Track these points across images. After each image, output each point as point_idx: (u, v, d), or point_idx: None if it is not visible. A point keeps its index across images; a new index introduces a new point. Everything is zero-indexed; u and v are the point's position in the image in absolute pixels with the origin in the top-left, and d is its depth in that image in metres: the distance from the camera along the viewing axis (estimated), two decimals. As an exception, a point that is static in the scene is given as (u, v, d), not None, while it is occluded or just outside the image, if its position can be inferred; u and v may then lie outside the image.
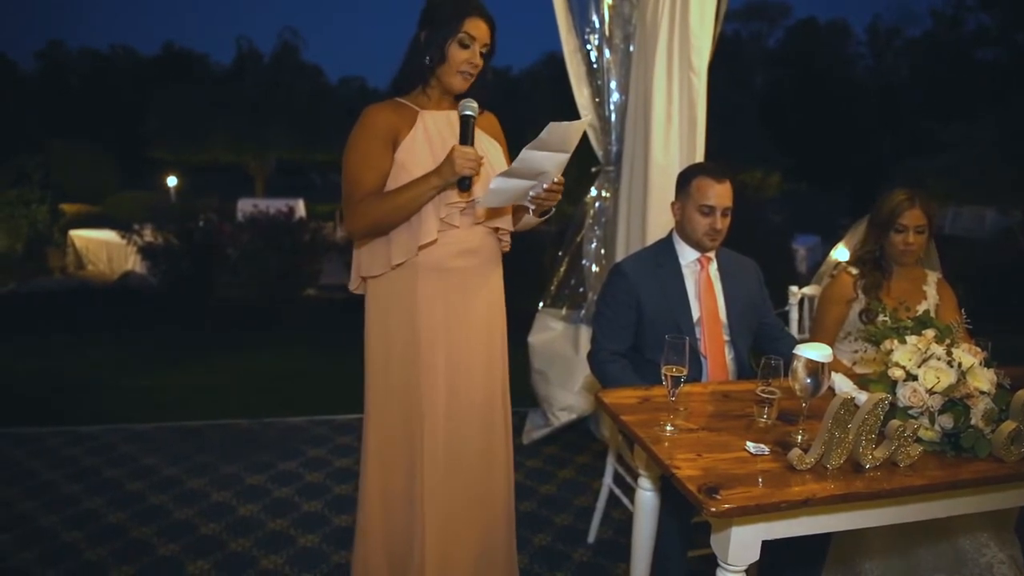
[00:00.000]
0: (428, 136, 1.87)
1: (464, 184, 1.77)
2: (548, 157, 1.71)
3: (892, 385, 1.61)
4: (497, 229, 1.98)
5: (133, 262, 9.32)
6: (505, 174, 1.71)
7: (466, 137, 1.78)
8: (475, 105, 1.81)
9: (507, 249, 2.05)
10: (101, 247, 10.89)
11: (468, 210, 1.89)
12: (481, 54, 1.88)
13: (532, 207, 1.88)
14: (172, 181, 17.13)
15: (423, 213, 1.83)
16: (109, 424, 3.81)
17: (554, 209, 1.94)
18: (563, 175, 1.84)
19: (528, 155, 1.68)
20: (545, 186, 1.81)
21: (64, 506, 2.92)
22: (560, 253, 3.85)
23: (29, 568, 2.49)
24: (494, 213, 1.94)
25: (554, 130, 1.63)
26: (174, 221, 7.40)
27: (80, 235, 11.43)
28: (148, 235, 7.40)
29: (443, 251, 1.90)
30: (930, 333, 1.64)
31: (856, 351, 2.28)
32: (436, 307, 1.92)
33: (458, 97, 1.88)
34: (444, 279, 1.91)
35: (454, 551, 1.99)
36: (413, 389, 1.93)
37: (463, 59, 1.84)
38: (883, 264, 2.45)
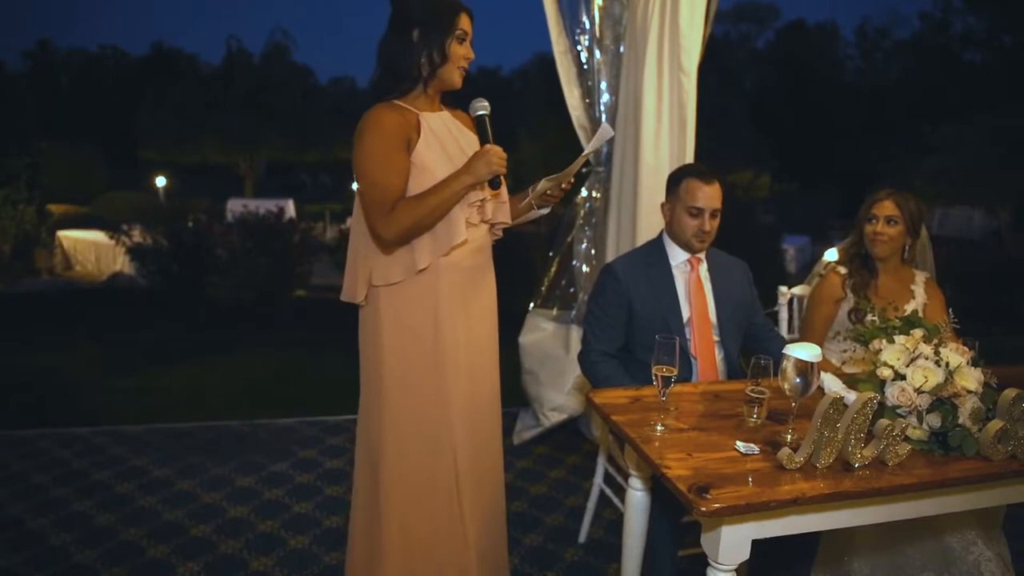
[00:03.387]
0: (438, 138, 1.87)
1: (496, 183, 1.80)
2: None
3: (880, 384, 1.63)
4: (492, 225, 1.99)
5: (121, 263, 9.29)
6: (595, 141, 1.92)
7: (487, 136, 1.82)
8: (487, 104, 1.84)
9: (498, 236, 2.06)
10: (89, 248, 10.83)
11: (480, 209, 1.92)
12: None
13: (539, 202, 1.98)
14: (161, 181, 17.07)
15: (452, 214, 1.82)
16: (98, 426, 3.79)
17: (546, 211, 2.00)
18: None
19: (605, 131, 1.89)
20: (564, 186, 1.92)
21: (54, 508, 2.90)
22: (551, 254, 3.86)
23: (18, 571, 2.47)
24: (499, 209, 1.98)
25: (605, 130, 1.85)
26: (163, 222, 7.37)
27: (68, 236, 11.36)
28: (137, 236, 7.36)
29: (462, 250, 1.89)
30: (918, 333, 1.65)
31: (845, 351, 2.29)
32: (456, 307, 1.90)
33: (463, 95, 1.92)
34: (462, 278, 1.91)
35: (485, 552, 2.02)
36: (440, 391, 1.89)
37: (461, 55, 1.87)
38: (869, 262, 2.47)
